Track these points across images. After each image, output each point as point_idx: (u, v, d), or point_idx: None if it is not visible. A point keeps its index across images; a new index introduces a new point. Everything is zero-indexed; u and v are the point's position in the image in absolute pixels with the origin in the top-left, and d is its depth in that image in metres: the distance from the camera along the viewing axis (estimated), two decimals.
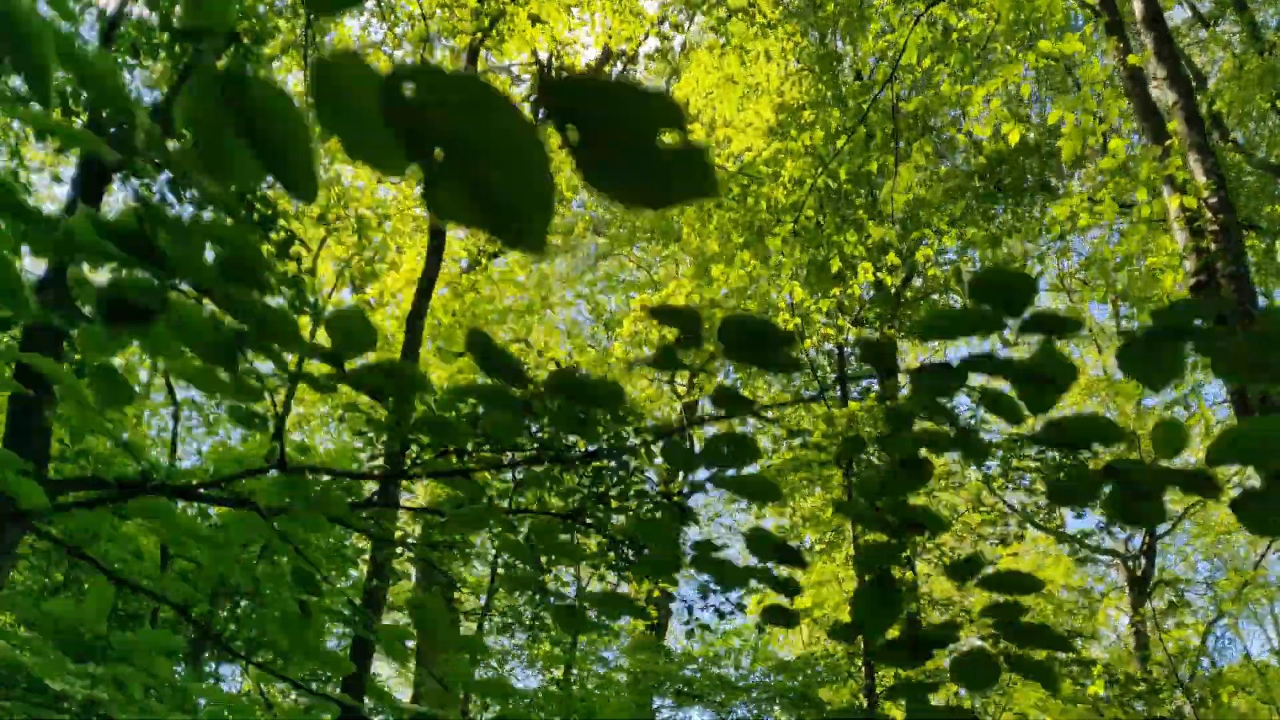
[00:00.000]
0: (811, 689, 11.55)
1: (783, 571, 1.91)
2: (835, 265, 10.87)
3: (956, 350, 34.47)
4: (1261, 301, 6.56)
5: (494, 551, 12.46)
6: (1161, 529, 24.89)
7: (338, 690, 8.06)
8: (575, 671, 14.40)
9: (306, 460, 7.92)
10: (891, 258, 10.81)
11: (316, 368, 1.45)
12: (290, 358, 1.32)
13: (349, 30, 13.38)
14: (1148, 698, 11.61)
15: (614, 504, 6.20)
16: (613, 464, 6.02)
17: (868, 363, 1.60)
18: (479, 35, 11.01)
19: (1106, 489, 1.51)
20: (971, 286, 1.32)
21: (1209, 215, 6.57)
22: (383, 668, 25.10)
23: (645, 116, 0.66)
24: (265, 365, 1.34)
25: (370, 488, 6.63)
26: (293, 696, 17.45)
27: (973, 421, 13.09)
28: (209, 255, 1.14)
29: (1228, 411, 22.33)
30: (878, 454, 14.47)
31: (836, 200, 10.94)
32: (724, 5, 12.94)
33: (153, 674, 3.23)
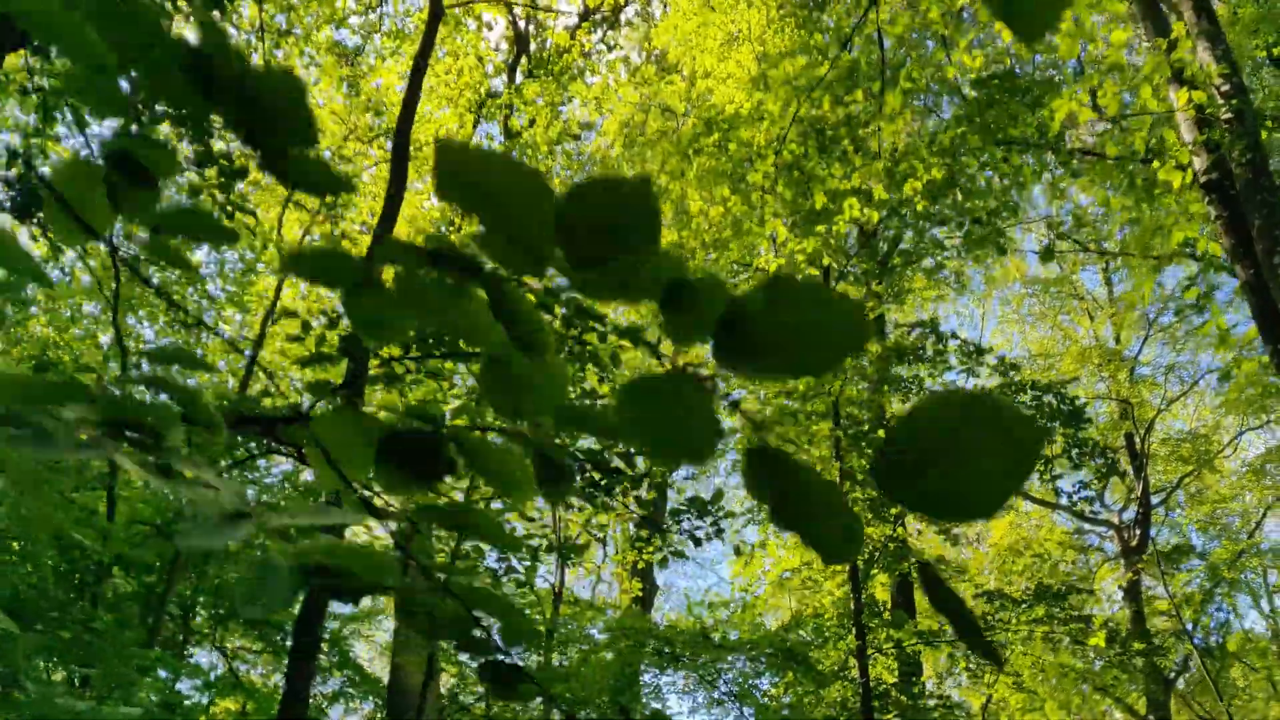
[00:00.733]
0: (799, 648, 11.03)
1: None
2: (819, 201, 10.33)
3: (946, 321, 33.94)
4: None
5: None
6: (1155, 500, 24.51)
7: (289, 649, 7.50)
8: (556, 653, 13.88)
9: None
10: (879, 192, 10.28)
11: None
12: None
13: None
14: (1152, 652, 11.14)
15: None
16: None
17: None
18: None
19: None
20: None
21: (1221, 104, 6.06)
22: (364, 651, 24.51)
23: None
24: None
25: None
26: (260, 670, 16.81)
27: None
28: None
29: (1235, 318, 21.84)
30: (865, 400, 13.94)
31: (820, 134, 10.40)
32: None
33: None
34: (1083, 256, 27.00)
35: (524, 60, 17.78)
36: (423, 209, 15.39)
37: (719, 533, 6.11)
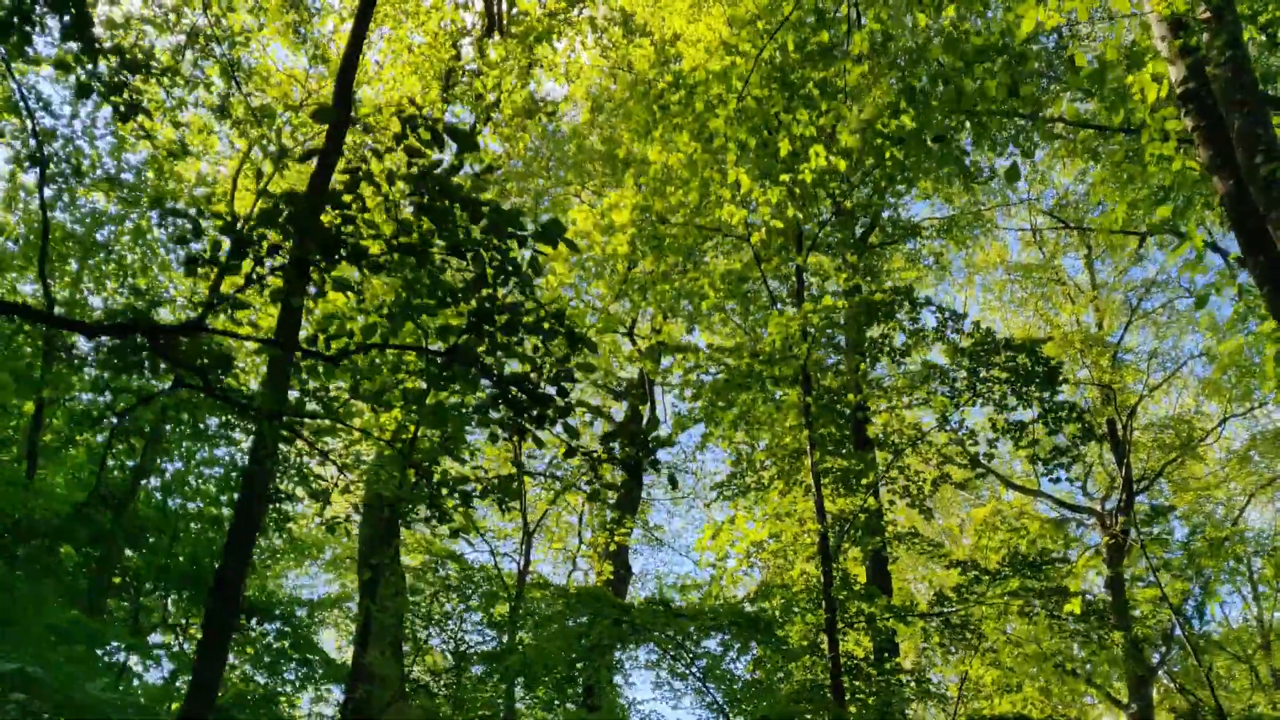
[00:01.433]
0: (764, 617, 10.55)
1: None
2: (784, 148, 9.88)
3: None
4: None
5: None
6: (1139, 494, 24.15)
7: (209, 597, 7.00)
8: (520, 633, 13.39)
9: None
10: (845, 138, 9.84)
11: None
12: None
13: None
14: (1137, 621, 10.70)
15: (501, 339, 5.18)
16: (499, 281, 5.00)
17: None
18: None
19: None
20: None
21: (1199, 3, 5.62)
22: (328, 635, 23.92)
23: None
24: None
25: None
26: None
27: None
28: None
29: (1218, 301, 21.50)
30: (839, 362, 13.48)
31: (784, 79, 9.93)
32: None
33: None
34: (1065, 244, 26.67)
35: (495, 36, 17.31)
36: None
37: (654, 464, 5.62)
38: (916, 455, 12.41)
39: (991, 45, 6.61)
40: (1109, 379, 23.88)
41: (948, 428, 11.67)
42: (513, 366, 5.70)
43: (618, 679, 13.85)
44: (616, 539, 18.68)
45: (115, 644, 9.61)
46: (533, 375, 5.37)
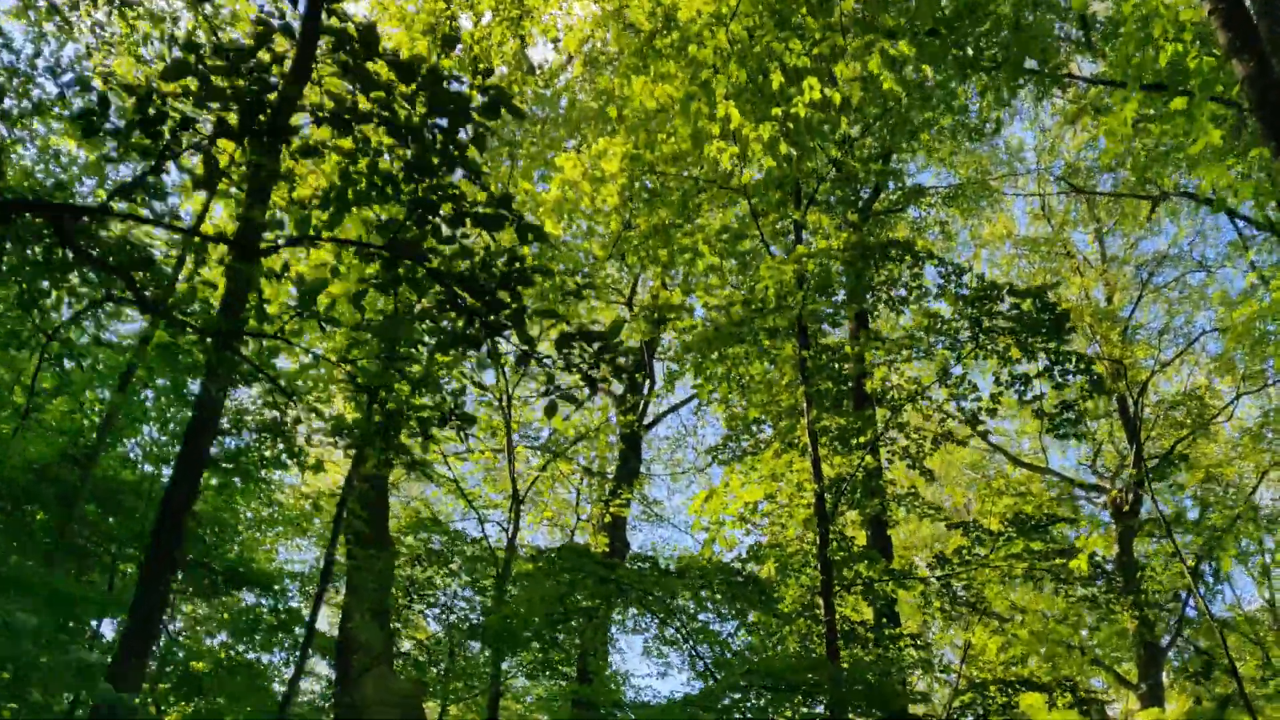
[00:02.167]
0: (753, 576, 10.08)
1: None
2: (776, 81, 9.38)
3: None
4: None
5: None
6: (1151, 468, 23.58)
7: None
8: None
9: None
10: (842, 68, 9.33)
11: None
12: None
13: None
14: (1149, 582, 10.21)
15: (446, 231, 4.71)
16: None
17: None
18: None
19: None
20: None
21: None
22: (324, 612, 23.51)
23: None
24: None
25: None
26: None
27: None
28: None
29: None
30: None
31: (774, 7, 9.43)
32: None
33: None
34: (1074, 217, 26.06)
35: None
36: None
37: (618, 373, 5.14)
38: (917, 412, 11.91)
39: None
40: (1119, 354, 23.30)
41: (949, 382, 11.16)
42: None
43: (613, 656, 13.39)
44: (612, 510, 18.23)
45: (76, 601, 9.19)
46: (482, 276, 4.90)
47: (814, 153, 12.49)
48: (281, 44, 4.73)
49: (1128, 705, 21.95)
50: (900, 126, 12.89)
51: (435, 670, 15.18)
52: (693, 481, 22.95)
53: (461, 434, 6.84)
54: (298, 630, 16.47)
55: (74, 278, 5.15)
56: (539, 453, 18.39)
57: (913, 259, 11.87)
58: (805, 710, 9.37)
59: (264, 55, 4.29)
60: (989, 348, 10.80)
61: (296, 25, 5.46)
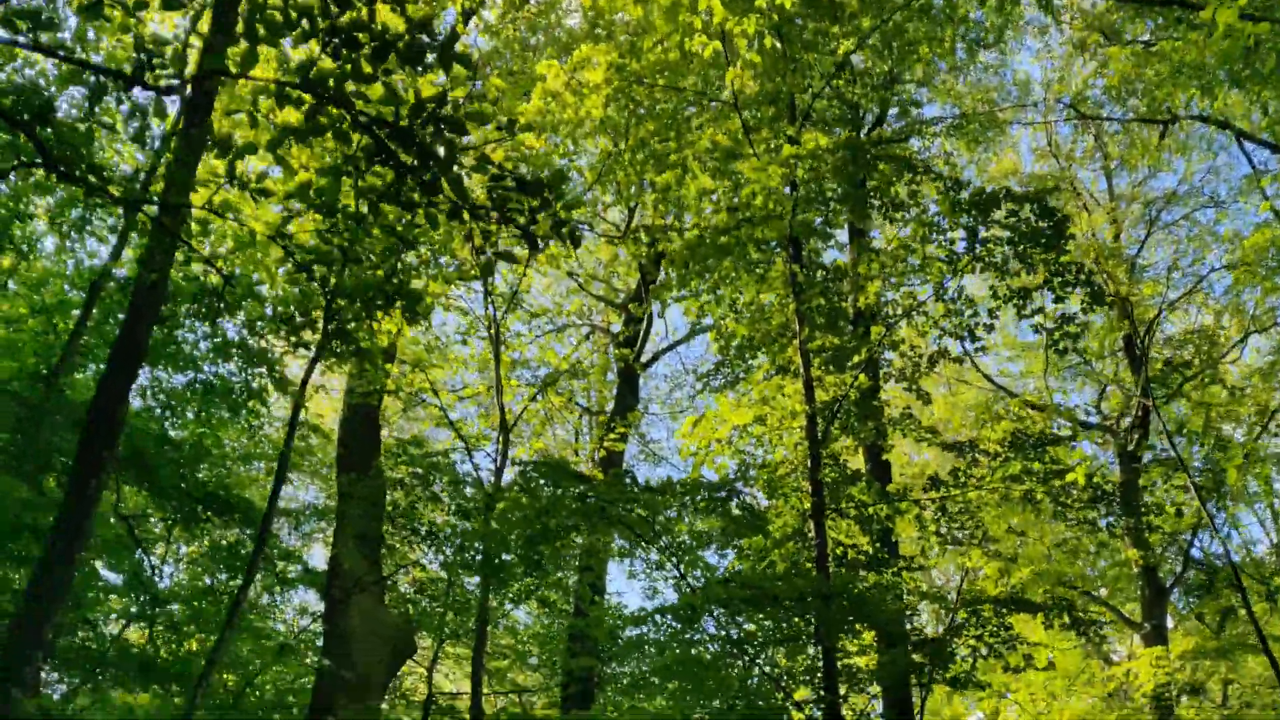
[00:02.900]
0: (740, 491, 9.74)
1: None
2: None
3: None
4: None
5: None
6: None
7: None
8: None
9: None
10: None
11: None
12: None
13: None
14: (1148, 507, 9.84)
15: (366, 68, 4.29)
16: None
17: None
18: None
19: None
20: None
21: None
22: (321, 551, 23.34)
23: None
24: None
25: None
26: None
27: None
28: None
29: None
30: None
31: None
32: None
33: None
34: (1080, 154, 25.40)
35: None
36: None
37: (557, 228, 4.70)
38: (913, 329, 11.49)
39: None
40: (1126, 291, 22.79)
41: (946, 298, 10.74)
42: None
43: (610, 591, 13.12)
44: (607, 445, 17.90)
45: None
46: (415, 127, 4.48)
47: (806, 66, 11.97)
48: None
49: (1132, 646, 21.73)
50: (898, 36, 12.37)
51: (425, 604, 14.95)
52: (691, 415, 22.61)
53: (410, 316, 6.43)
54: (286, 565, 16.30)
55: None
56: (532, 388, 18.05)
57: (910, 171, 11.39)
58: (792, 625, 9.08)
59: None
60: (986, 260, 10.37)
61: None
